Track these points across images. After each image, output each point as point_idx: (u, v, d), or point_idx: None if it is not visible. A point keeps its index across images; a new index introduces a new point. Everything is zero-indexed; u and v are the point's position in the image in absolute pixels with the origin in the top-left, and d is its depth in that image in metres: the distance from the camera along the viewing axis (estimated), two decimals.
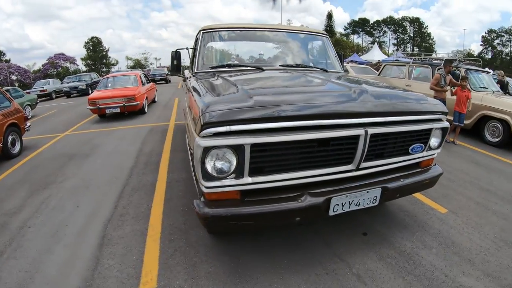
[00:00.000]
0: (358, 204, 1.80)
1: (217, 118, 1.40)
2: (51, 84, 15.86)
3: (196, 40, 3.41)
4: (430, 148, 2.04)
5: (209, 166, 1.45)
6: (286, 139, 1.49)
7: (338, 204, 1.73)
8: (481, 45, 53.06)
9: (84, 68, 42.57)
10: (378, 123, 1.72)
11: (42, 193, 3.15)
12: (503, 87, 7.16)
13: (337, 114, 1.60)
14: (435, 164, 2.20)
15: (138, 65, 46.79)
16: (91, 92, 15.64)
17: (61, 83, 16.98)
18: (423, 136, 1.97)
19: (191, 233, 2.27)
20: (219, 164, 1.47)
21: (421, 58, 9.02)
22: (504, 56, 49.59)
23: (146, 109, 8.00)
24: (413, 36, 56.78)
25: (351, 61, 26.28)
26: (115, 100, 6.99)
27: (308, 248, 2.07)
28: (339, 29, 62.32)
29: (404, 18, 59.46)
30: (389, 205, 2.66)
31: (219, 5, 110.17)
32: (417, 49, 53.25)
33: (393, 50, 54.58)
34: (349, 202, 1.77)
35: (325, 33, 3.38)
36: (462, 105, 4.75)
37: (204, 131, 1.40)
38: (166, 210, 2.64)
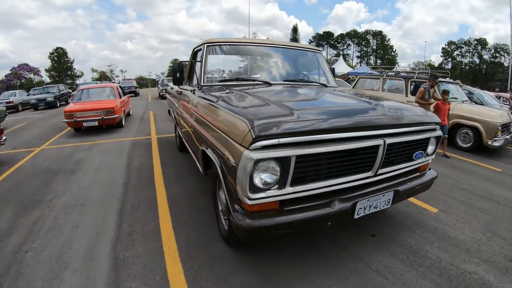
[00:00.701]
0: (376, 207, 1.97)
1: (268, 132, 1.48)
2: (18, 96, 14.62)
3: (195, 53, 3.45)
4: (428, 155, 2.31)
5: (256, 178, 1.50)
6: (325, 150, 1.61)
7: (361, 208, 1.88)
8: (441, 56, 56.88)
9: (48, 80, 39.72)
10: (393, 134, 1.92)
11: (32, 213, 2.86)
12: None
13: (365, 126, 1.78)
14: (430, 169, 2.47)
15: (103, 77, 44.50)
16: (59, 105, 14.71)
17: (28, 95, 15.71)
18: (423, 144, 2.22)
19: (209, 247, 2.23)
20: (264, 176, 1.53)
21: (384, 71, 9.73)
22: (463, 66, 53.09)
23: (123, 122, 7.66)
24: (376, 48, 60.25)
25: None
26: (93, 113, 6.64)
27: (328, 253, 2.18)
28: (303, 42, 65.27)
29: (367, 32, 62.96)
30: (387, 208, 2.88)
31: (185, 18, 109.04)
32: (380, 61, 56.68)
33: (357, 63, 57.95)
34: (370, 205, 1.93)
35: (318, 49, 3.62)
36: (444, 118, 4.90)
37: (254, 144, 1.46)
38: (176, 226, 2.56)
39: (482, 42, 53.22)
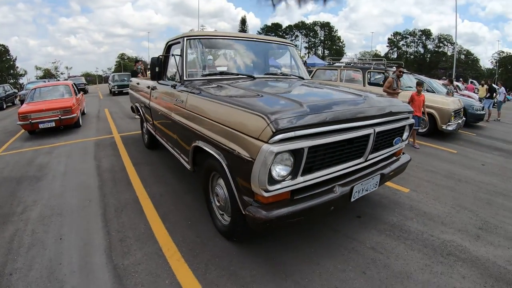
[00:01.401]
0: (367, 189, 2.17)
1: (286, 125, 1.53)
2: None
3: (169, 47, 3.29)
4: (403, 140, 2.57)
5: (274, 171, 1.55)
6: (331, 140, 1.72)
7: (357, 191, 2.06)
8: (387, 46, 60.44)
9: None
10: (380, 123, 2.11)
11: (4, 229, 2.51)
12: None
13: (361, 117, 1.94)
14: (404, 153, 2.76)
15: (48, 75, 39.82)
16: (5, 107, 13.20)
17: None
18: (401, 131, 2.48)
19: (210, 244, 2.23)
20: (280, 168, 1.58)
21: (332, 61, 9.93)
22: (408, 56, 56.70)
23: (80, 121, 7.03)
24: (324, 39, 61.84)
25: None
26: (49, 113, 6.01)
27: (324, 236, 2.34)
28: (252, 33, 65.98)
29: (315, 23, 64.34)
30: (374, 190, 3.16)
31: (130, 10, 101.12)
32: (328, 51, 58.63)
33: (305, 53, 59.04)
34: (362, 188, 2.12)
35: (292, 43, 3.69)
36: (418, 109, 5.00)
37: (274, 138, 1.50)
38: (168, 226, 2.48)
39: (426, 33, 57.46)
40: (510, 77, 45.91)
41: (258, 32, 64.47)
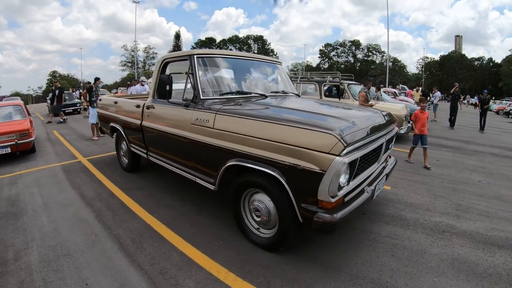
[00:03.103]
0: (379, 188, 2.60)
1: (351, 140, 1.85)
2: None
3: (165, 65, 3.27)
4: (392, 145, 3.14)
5: (342, 179, 1.82)
6: (370, 150, 2.12)
7: (376, 191, 2.46)
8: (319, 57, 65.24)
9: None
10: (388, 132, 2.59)
11: (5, 283, 2.05)
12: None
13: (382, 128, 2.42)
14: (390, 156, 3.33)
15: None
16: None
17: None
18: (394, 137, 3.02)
19: (255, 258, 2.30)
20: (343, 177, 1.86)
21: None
22: (339, 65, 61.42)
23: (35, 146, 6.09)
24: (257, 52, 63.68)
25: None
26: (4, 138, 5.07)
27: (347, 234, 2.65)
28: (186, 48, 65.03)
29: (248, 37, 67.23)
30: None
31: (60, 25, 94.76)
32: None
33: None
34: (379, 188, 2.53)
35: (280, 61, 3.95)
36: (423, 126, 4.87)
37: (344, 151, 1.77)
38: (203, 249, 2.42)
39: (356, 43, 64.20)
40: (435, 81, 54.17)
41: (192, 47, 64.94)
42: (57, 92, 10.82)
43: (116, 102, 4.32)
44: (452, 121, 10.08)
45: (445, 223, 2.89)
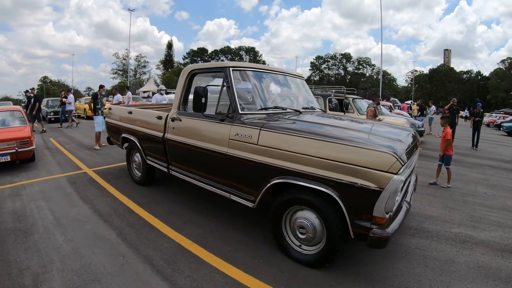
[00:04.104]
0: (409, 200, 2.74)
1: (405, 159, 1.99)
2: None
3: (192, 76, 3.26)
4: None
5: (397, 196, 1.94)
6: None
7: (411, 203, 2.64)
8: (310, 69, 65.86)
9: None
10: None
11: None
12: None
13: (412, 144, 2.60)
14: None
15: None
16: None
17: None
18: None
19: (301, 275, 2.29)
20: (399, 194, 2.00)
21: None
22: (330, 78, 62.28)
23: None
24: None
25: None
26: (4, 145, 4.77)
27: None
28: (178, 58, 65.84)
29: (240, 48, 68.01)
30: None
31: (52, 30, 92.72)
32: None
33: None
34: (410, 201, 2.70)
35: (302, 76, 3.99)
36: (450, 144, 4.60)
37: (401, 169, 1.89)
38: (245, 269, 2.35)
39: (346, 56, 65.93)
40: (425, 93, 55.14)
41: (184, 56, 65.94)
42: (32, 100, 10.01)
43: (130, 112, 4.19)
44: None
45: (464, 234, 3.08)
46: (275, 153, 2.36)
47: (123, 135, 4.32)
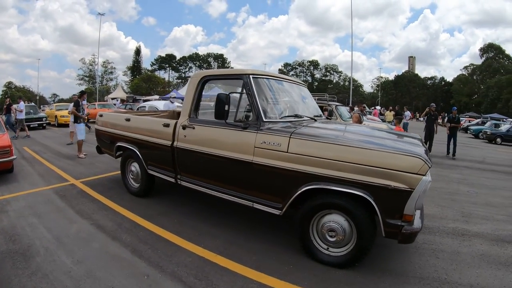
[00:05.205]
0: None
1: (430, 161, 2.19)
2: None
3: (204, 82, 3.24)
4: None
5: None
6: None
7: None
8: None
9: None
10: None
11: None
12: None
13: None
14: None
15: None
16: None
17: None
18: None
19: (335, 278, 2.37)
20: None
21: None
22: None
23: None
24: None
25: (174, 97, 25.16)
26: None
27: (391, 243, 2.78)
28: (145, 65, 64.39)
29: (209, 54, 67.47)
30: None
31: (16, 34, 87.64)
32: None
33: None
34: None
35: (305, 84, 4.12)
36: None
37: (428, 170, 2.11)
38: (277, 275, 2.36)
39: (314, 63, 67.86)
40: (390, 99, 57.23)
41: (152, 63, 64.75)
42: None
43: (128, 120, 3.93)
44: (428, 146, 8.47)
45: (460, 228, 3.44)
46: (307, 160, 2.42)
47: (118, 143, 4.04)
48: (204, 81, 3.25)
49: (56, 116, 14.03)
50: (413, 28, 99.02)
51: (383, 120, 12.83)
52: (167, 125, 3.41)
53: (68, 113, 8.41)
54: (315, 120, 3.23)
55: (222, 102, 2.67)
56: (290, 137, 2.53)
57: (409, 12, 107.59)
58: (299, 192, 2.45)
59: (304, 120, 3.15)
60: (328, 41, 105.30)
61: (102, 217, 3.39)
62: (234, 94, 2.90)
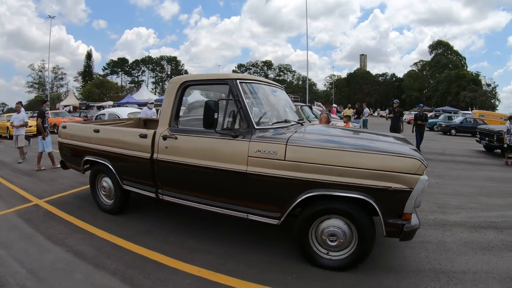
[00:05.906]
0: None
1: (425, 162, 2.25)
2: None
3: (184, 89, 3.03)
4: None
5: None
6: None
7: None
8: None
9: None
10: None
11: None
12: None
13: None
14: None
15: None
16: None
17: None
18: None
19: (339, 281, 2.37)
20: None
21: None
22: None
23: None
24: (171, 73, 62.16)
25: (128, 102, 24.10)
26: None
27: (382, 240, 2.86)
28: (98, 70, 61.21)
29: (162, 57, 65.37)
30: None
31: None
32: None
33: (152, 89, 58.56)
34: None
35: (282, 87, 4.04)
36: None
37: (424, 170, 2.18)
38: (287, 284, 2.32)
39: (267, 64, 68.60)
40: (343, 96, 58.72)
41: (104, 67, 61.66)
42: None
43: (97, 131, 3.52)
44: None
45: (439, 219, 3.68)
46: (307, 167, 2.35)
47: (86, 157, 3.61)
48: (184, 87, 3.03)
49: (7, 128, 12.42)
50: (364, 27, 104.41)
51: (341, 118, 13.12)
52: (144, 136, 3.11)
53: (13, 126, 7.33)
54: (302, 125, 3.19)
55: (211, 110, 2.48)
56: (286, 144, 2.45)
57: (360, 12, 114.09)
58: (299, 200, 2.39)
59: (292, 125, 3.10)
60: (280, 41, 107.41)
61: (78, 242, 2.99)
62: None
